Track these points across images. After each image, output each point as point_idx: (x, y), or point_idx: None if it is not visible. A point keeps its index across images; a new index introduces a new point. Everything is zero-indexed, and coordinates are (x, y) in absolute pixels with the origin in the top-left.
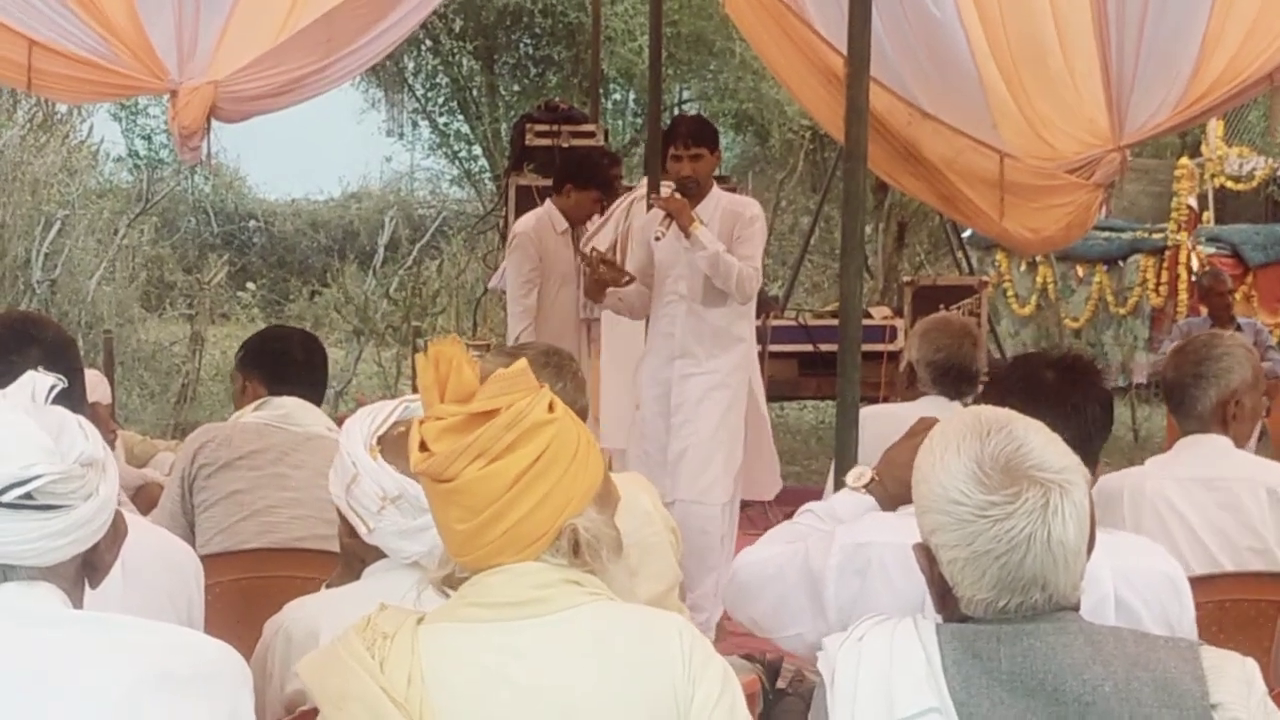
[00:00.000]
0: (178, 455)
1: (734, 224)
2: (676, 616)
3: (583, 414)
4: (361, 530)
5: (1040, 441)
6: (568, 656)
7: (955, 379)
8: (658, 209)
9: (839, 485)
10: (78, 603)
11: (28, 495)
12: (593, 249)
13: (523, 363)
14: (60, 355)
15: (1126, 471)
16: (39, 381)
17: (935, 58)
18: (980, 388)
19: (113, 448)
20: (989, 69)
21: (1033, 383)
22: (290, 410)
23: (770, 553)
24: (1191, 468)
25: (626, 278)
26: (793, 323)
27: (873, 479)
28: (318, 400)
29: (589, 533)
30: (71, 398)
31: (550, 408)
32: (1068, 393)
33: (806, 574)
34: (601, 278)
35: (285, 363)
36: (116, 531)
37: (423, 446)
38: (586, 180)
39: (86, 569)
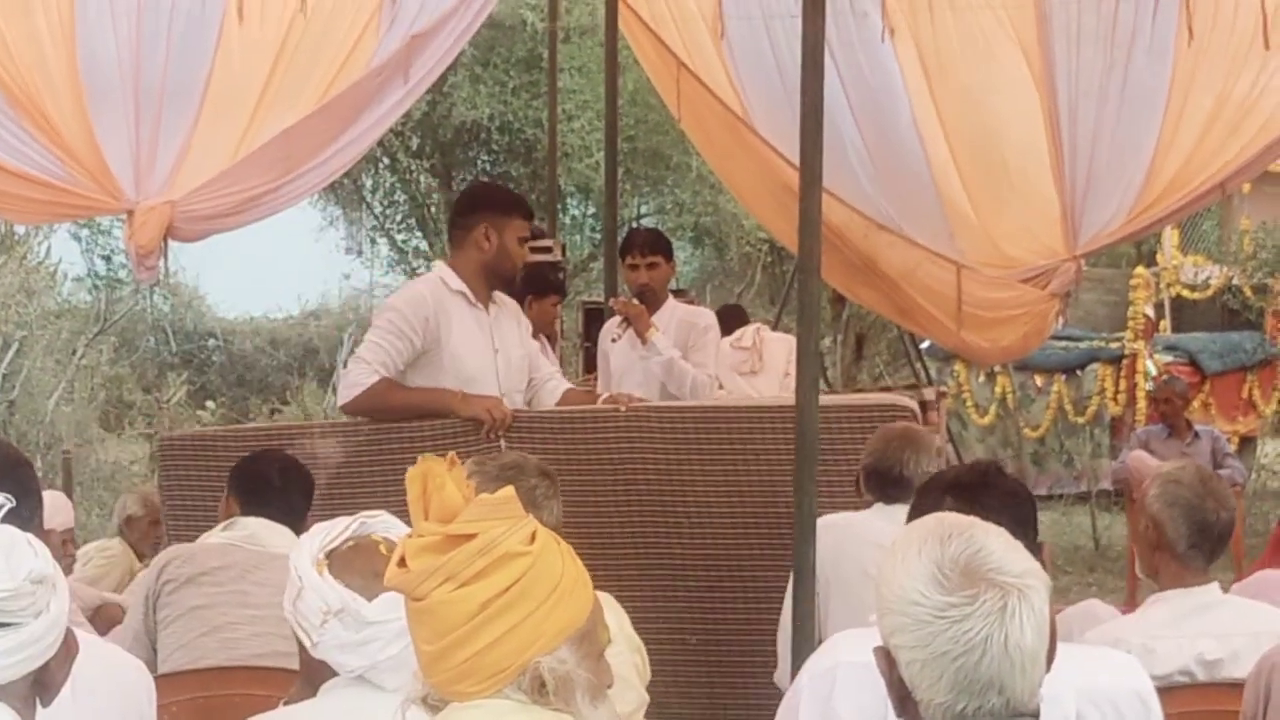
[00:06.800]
0: (143, 575)
1: (689, 333)
2: None
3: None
4: (306, 643)
5: (1000, 546)
6: None
7: (881, 483)
8: (615, 314)
9: (797, 598)
10: None
11: None
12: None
13: (509, 490)
14: (11, 472)
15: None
16: None
17: (892, 169)
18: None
19: (70, 571)
20: (945, 180)
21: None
22: (254, 531)
23: None
24: (1200, 624)
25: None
26: None
27: None
28: (295, 526)
29: (555, 674)
30: (21, 518)
31: (531, 539)
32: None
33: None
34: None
35: (260, 487)
36: (68, 649)
37: (402, 562)
38: (542, 288)
39: (38, 687)
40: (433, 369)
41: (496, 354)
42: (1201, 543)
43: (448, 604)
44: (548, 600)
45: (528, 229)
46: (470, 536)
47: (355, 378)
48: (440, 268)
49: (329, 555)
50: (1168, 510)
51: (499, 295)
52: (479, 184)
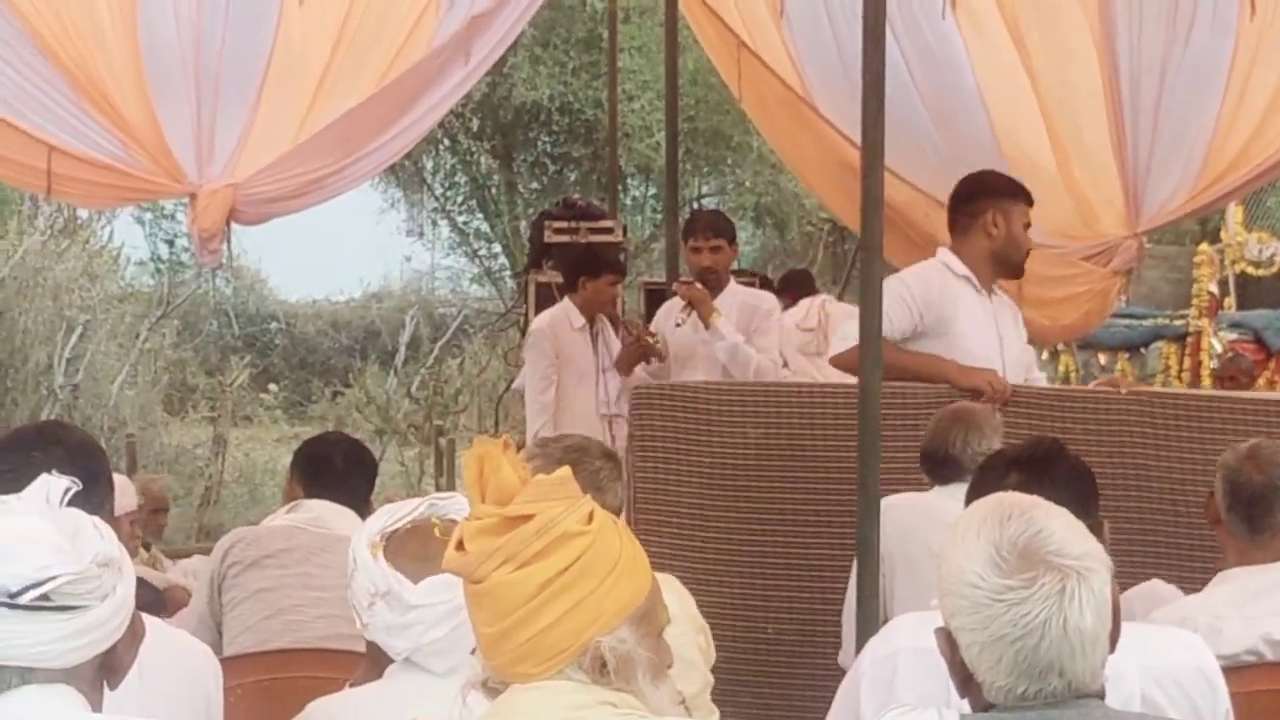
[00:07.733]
0: (208, 558)
1: (751, 317)
2: None
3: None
4: (359, 624)
5: (1060, 527)
6: None
7: (932, 465)
8: (678, 298)
9: (861, 579)
10: (97, 705)
11: (45, 596)
12: (636, 320)
13: (565, 471)
14: (84, 459)
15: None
16: (53, 484)
17: (958, 141)
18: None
19: (135, 554)
20: (1013, 152)
21: (1001, 489)
22: (319, 514)
23: None
24: (1267, 604)
25: (661, 356)
26: None
27: None
28: (359, 509)
29: (616, 653)
30: (92, 503)
31: (589, 519)
32: (1035, 491)
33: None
34: (644, 345)
35: (324, 469)
36: (134, 632)
37: (460, 545)
38: (598, 268)
39: (105, 670)
40: (938, 352)
41: (1001, 342)
42: (1235, 505)
43: (507, 585)
44: (607, 579)
45: (1029, 215)
46: (528, 517)
47: (849, 331)
48: (943, 253)
49: (388, 537)
50: (1217, 475)
51: (997, 287)
52: (982, 171)
